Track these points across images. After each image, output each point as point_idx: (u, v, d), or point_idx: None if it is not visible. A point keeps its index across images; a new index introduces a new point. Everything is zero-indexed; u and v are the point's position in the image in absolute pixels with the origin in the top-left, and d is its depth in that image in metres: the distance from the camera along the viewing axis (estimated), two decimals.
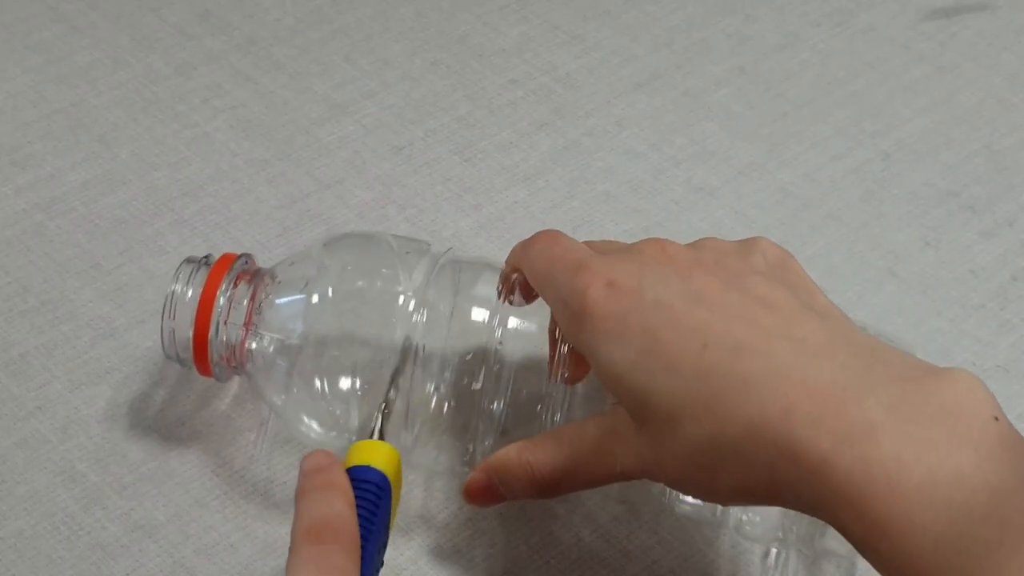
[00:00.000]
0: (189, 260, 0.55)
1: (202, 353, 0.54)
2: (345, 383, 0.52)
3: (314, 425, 0.53)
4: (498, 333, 0.52)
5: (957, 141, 0.72)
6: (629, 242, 0.52)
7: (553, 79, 0.75)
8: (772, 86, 0.75)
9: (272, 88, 0.73)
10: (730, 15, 0.79)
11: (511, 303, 0.53)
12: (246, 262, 0.55)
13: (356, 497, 0.46)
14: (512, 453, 0.50)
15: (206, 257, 0.55)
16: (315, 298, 0.53)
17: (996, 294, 0.65)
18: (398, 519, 0.54)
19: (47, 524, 0.54)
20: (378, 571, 0.47)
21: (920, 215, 0.68)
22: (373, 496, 0.47)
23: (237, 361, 0.54)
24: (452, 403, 0.52)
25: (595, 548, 0.54)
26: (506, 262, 0.54)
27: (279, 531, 0.54)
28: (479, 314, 0.53)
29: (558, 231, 0.52)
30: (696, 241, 0.51)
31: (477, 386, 0.52)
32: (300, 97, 0.73)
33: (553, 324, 0.52)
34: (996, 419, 0.43)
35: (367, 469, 0.47)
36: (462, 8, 0.79)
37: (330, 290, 0.53)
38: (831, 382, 0.43)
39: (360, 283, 0.53)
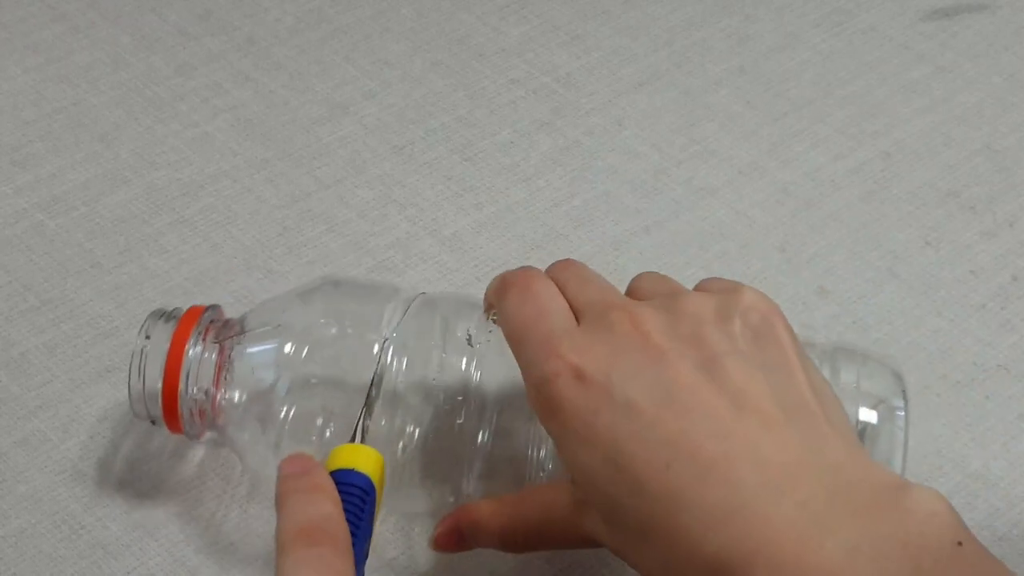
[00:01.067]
0: (155, 314, 0.53)
1: (172, 409, 0.52)
2: (318, 425, 0.51)
3: None
4: (476, 375, 0.51)
5: (957, 141, 0.72)
6: (605, 283, 0.51)
7: (553, 79, 0.75)
8: (772, 86, 0.75)
9: (272, 88, 0.73)
10: (730, 15, 0.79)
11: (488, 342, 0.52)
12: (213, 313, 0.54)
13: (342, 502, 0.46)
14: (485, 510, 0.50)
15: (172, 311, 0.54)
16: (287, 347, 0.51)
17: (996, 294, 0.65)
18: (396, 519, 0.54)
19: (48, 523, 0.54)
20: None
21: (920, 215, 0.68)
22: (358, 500, 0.46)
23: (208, 417, 0.52)
24: (433, 443, 0.51)
25: (595, 547, 0.54)
26: (485, 296, 0.52)
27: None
28: (458, 356, 0.52)
29: (532, 275, 0.50)
30: (673, 300, 0.48)
31: (460, 422, 0.51)
32: (300, 97, 0.73)
33: None
34: (960, 544, 0.42)
35: (351, 472, 0.46)
36: (462, 8, 0.79)
37: (303, 340, 0.51)
38: (792, 523, 0.42)
39: (333, 331, 0.52)
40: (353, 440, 0.49)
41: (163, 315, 0.53)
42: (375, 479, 0.47)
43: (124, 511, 0.54)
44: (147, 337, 0.52)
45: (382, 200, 0.68)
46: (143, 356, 0.52)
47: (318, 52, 0.76)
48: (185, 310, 0.53)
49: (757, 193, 0.69)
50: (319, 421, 0.51)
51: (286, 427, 0.51)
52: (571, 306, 0.49)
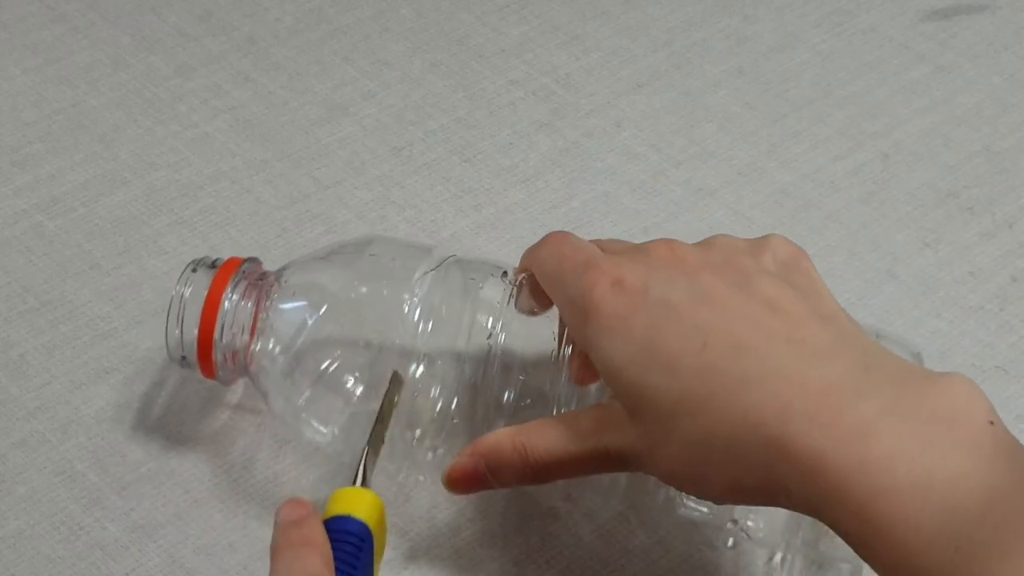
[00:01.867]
0: (195, 262, 0.55)
1: (207, 355, 0.54)
2: (348, 384, 0.52)
3: (316, 425, 0.53)
4: (502, 337, 0.52)
5: (957, 142, 0.72)
6: (635, 242, 0.52)
7: (553, 80, 0.75)
8: (771, 87, 0.75)
9: (272, 89, 0.73)
10: (729, 16, 0.79)
11: (516, 306, 0.53)
12: (252, 265, 0.55)
13: (336, 549, 0.45)
14: (504, 437, 0.50)
15: (213, 260, 0.55)
16: (321, 304, 0.53)
17: (995, 295, 0.65)
18: (398, 532, 0.54)
19: (47, 524, 0.54)
20: None
21: (919, 216, 0.68)
22: (352, 548, 0.46)
23: (241, 364, 0.54)
24: (459, 403, 0.52)
25: (595, 548, 0.54)
26: (517, 268, 0.54)
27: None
28: (485, 316, 0.53)
29: (568, 232, 0.52)
30: (707, 239, 0.51)
31: (483, 384, 0.52)
32: (300, 98, 0.73)
33: (561, 325, 0.52)
34: (992, 423, 0.43)
35: (347, 519, 0.46)
36: (462, 8, 0.79)
37: (336, 297, 0.53)
38: (828, 383, 0.43)
39: (365, 289, 0.53)
40: (355, 483, 0.49)
41: (204, 263, 0.55)
42: (373, 525, 0.47)
43: (123, 512, 0.55)
44: (187, 285, 0.54)
45: (381, 201, 0.68)
46: (182, 301, 0.54)
47: (317, 53, 0.76)
48: (224, 260, 0.55)
49: (756, 194, 0.69)
50: (348, 374, 0.52)
51: (315, 383, 0.52)
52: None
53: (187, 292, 0.54)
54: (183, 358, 0.55)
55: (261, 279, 0.55)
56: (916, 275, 0.65)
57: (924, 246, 0.67)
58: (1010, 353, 0.62)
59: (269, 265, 0.56)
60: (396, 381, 0.51)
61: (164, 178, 0.68)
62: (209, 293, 0.54)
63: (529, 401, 0.52)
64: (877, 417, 0.42)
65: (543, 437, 0.49)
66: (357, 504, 0.47)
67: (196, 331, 0.54)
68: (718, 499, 0.48)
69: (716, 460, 0.45)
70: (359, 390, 0.52)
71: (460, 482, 0.51)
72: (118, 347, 0.60)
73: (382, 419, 0.50)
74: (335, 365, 0.52)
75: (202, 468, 0.56)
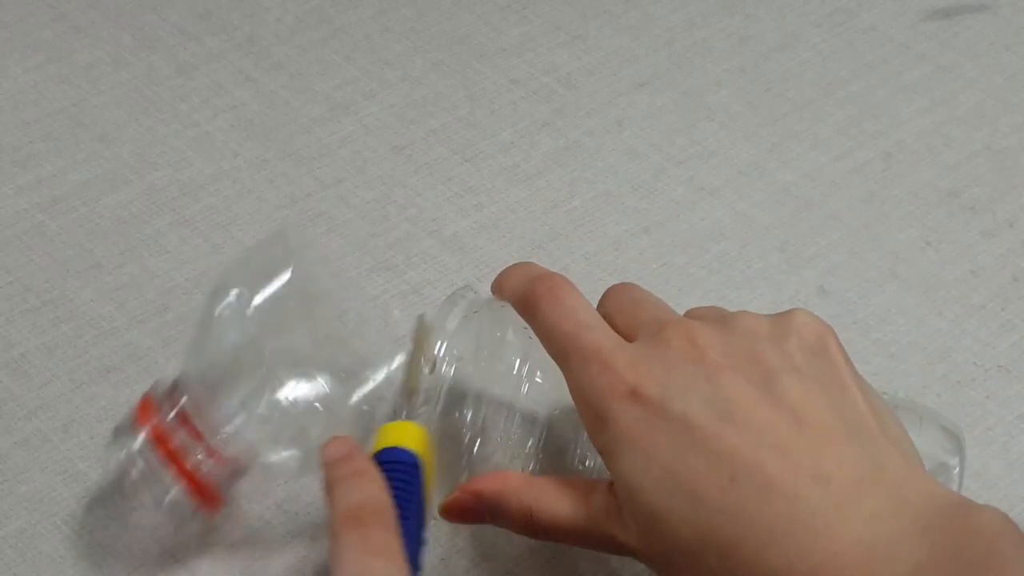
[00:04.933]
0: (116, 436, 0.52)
1: (209, 495, 0.52)
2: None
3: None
4: (525, 386, 0.51)
5: (957, 141, 0.72)
6: (641, 299, 0.50)
7: (554, 79, 0.75)
8: (773, 86, 0.75)
9: (273, 88, 0.73)
10: (730, 15, 0.79)
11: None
12: (159, 398, 0.53)
13: (389, 478, 0.46)
14: (511, 491, 0.48)
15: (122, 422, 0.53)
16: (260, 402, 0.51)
17: (997, 294, 0.65)
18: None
19: (48, 523, 0.54)
20: (422, 548, 0.46)
21: (921, 215, 0.68)
22: (405, 475, 0.46)
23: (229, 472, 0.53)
24: (481, 449, 0.51)
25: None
26: (493, 288, 0.52)
27: (279, 532, 0.54)
28: (507, 360, 0.51)
29: (558, 284, 0.50)
30: (729, 319, 0.48)
31: (508, 428, 0.50)
32: (301, 97, 0.73)
33: None
34: None
35: (396, 450, 0.47)
36: (463, 8, 0.79)
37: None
38: (857, 540, 0.41)
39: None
40: (398, 418, 0.50)
41: (121, 430, 0.52)
42: (421, 453, 0.47)
43: (124, 512, 0.54)
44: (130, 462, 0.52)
45: (382, 200, 0.68)
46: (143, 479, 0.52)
47: (319, 52, 0.76)
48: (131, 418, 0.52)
49: (757, 193, 0.69)
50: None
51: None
52: (625, 327, 0.48)
53: (136, 472, 0.51)
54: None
55: (169, 398, 0.52)
56: (918, 274, 0.65)
57: (925, 245, 0.67)
58: (1012, 352, 0.62)
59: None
60: (422, 326, 0.51)
61: (165, 177, 0.68)
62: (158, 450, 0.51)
63: (552, 447, 0.50)
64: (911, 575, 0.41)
65: (551, 503, 0.47)
66: (403, 435, 0.48)
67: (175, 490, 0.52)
68: None
69: None
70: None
71: (455, 515, 0.50)
72: (120, 346, 0.60)
73: (414, 361, 0.50)
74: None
75: None
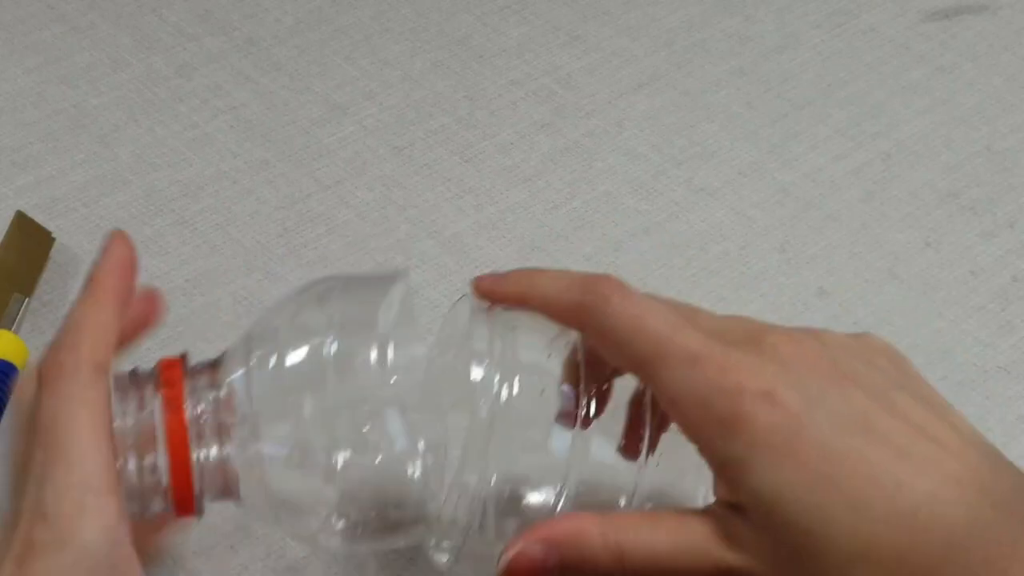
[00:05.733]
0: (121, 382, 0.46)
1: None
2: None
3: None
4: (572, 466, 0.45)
5: (957, 142, 0.72)
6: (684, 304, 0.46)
7: (554, 80, 0.75)
8: (772, 87, 0.75)
9: (272, 89, 0.73)
10: (730, 16, 0.79)
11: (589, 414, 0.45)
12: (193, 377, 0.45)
13: None
14: (589, 525, 0.42)
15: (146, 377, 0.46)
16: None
17: (997, 295, 0.65)
18: None
19: None
20: None
21: (920, 216, 0.68)
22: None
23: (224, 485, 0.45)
24: (516, 494, 0.45)
25: None
26: (485, 292, 0.47)
27: (279, 532, 0.54)
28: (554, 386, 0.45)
29: (616, 283, 0.44)
30: (815, 334, 0.44)
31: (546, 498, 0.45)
32: (300, 97, 0.73)
33: (637, 396, 0.46)
34: None
35: None
36: (463, 9, 0.79)
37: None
38: (998, 538, 0.39)
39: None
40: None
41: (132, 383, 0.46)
42: (16, 361, 0.52)
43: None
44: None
45: (382, 201, 0.68)
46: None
47: (318, 53, 0.76)
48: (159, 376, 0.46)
49: (757, 194, 0.69)
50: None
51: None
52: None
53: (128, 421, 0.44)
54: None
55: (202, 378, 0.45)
56: (917, 275, 0.65)
57: (925, 246, 0.67)
58: (1012, 353, 0.62)
59: (271, 269, 0.56)
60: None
61: (165, 178, 0.68)
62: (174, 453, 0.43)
63: (592, 475, 0.45)
64: None
65: (643, 537, 0.41)
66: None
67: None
68: None
69: None
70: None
71: (518, 570, 0.42)
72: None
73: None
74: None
75: None
